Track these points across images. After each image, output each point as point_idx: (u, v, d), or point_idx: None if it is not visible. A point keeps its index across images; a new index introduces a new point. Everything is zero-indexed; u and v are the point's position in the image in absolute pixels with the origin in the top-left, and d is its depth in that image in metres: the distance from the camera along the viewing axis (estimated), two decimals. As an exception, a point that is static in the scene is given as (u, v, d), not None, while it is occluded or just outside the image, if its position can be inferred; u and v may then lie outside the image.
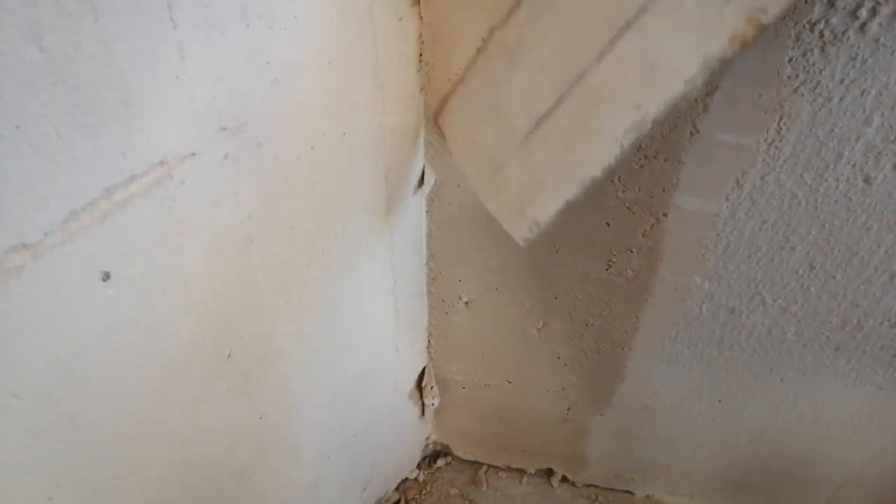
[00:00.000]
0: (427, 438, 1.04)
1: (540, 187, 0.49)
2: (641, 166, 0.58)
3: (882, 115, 0.52)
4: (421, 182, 0.65)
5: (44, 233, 0.32)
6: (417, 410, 0.94)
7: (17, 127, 0.29)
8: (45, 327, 0.33)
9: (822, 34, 0.48)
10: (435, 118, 0.54)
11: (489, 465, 1.07)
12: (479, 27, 0.52)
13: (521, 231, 0.53)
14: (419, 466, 1.06)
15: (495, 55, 0.50)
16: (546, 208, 0.50)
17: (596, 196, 0.62)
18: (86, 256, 0.34)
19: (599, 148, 0.46)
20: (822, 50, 0.49)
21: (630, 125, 0.44)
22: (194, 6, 0.34)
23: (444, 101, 0.55)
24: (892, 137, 0.53)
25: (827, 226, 0.60)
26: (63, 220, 0.32)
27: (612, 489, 1.04)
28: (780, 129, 0.54)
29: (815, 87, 0.51)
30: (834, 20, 0.47)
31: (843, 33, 0.48)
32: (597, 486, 1.05)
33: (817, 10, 0.47)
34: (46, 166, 0.30)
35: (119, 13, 0.31)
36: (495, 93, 0.50)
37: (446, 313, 0.80)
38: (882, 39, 0.48)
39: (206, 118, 0.38)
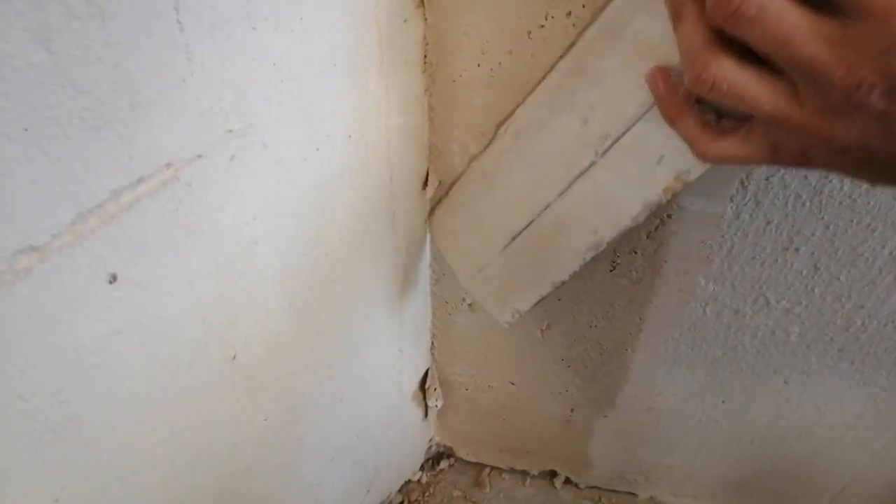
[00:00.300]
0: (430, 440, 1.04)
1: (518, 286, 0.59)
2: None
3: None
4: (425, 184, 0.65)
5: (51, 235, 0.32)
6: (420, 412, 0.94)
7: (26, 129, 0.29)
8: (51, 329, 0.33)
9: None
10: (427, 219, 0.66)
11: (492, 467, 1.07)
12: (478, 44, 0.54)
13: (504, 317, 0.62)
14: (422, 468, 1.06)
15: (474, 179, 0.60)
16: (525, 300, 0.60)
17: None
18: (93, 258, 0.34)
19: (565, 260, 0.55)
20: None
21: (589, 245, 0.53)
22: (201, 9, 0.34)
23: (432, 210, 0.66)
24: (897, 139, 0.53)
25: (831, 227, 0.60)
26: (70, 222, 0.32)
27: (615, 491, 1.04)
28: (785, 130, 0.54)
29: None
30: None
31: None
32: (600, 488, 1.05)
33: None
34: (54, 168, 0.30)
35: (127, 15, 0.31)
36: (477, 208, 0.60)
37: (449, 315, 0.80)
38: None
39: (212, 120, 0.38)
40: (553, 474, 1.05)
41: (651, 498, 1.03)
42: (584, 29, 0.49)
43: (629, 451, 0.95)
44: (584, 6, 0.50)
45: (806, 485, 0.90)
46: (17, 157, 0.29)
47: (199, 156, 0.38)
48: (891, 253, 0.61)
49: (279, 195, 0.46)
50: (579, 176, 0.51)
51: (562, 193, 0.53)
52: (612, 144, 0.49)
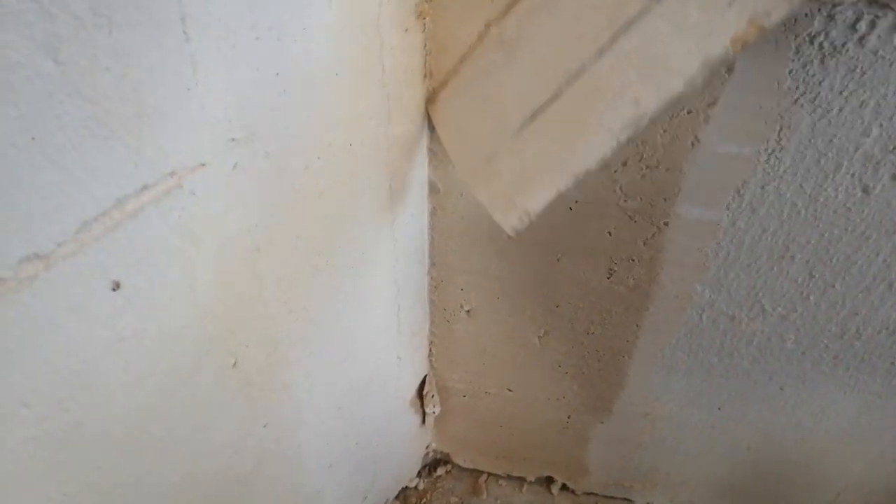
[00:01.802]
0: (427, 447, 1.04)
1: (532, 178, 0.49)
2: (643, 175, 0.59)
3: (880, 125, 0.53)
4: (425, 192, 0.66)
5: (56, 243, 0.32)
6: (418, 419, 0.94)
7: (33, 138, 0.29)
8: (55, 336, 0.34)
9: (821, 46, 0.49)
10: (426, 107, 0.54)
11: (489, 474, 1.07)
12: (477, 25, 0.52)
13: (510, 220, 0.53)
14: (419, 475, 1.06)
15: (491, 48, 0.49)
16: (537, 199, 0.50)
17: (597, 205, 0.62)
18: (97, 266, 0.34)
19: (595, 141, 0.45)
20: (822, 62, 0.50)
21: (628, 121, 0.44)
22: (206, 19, 0.34)
23: (435, 93, 0.53)
24: (891, 147, 0.54)
25: (826, 235, 0.61)
26: (76, 230, 0.32)
27: (611, 497, 1.05)
28: (781, 139, 0.55)
29: (815, 99, 0.52)
30: (833, 33, 0.48)
31: (843, 46, 0.49)
32: (596, 495, 1.05)
33: (817, 23, 0.48)
34: (60, 177, 0.31)
35: (133, 27, 0.31)
36: (490, 85, 0.50)
37: (448, 322, 0.80)
38: (881, 52, 0.49)
39: (216, 129, 0.38)
40: (550, 480, 1.05)
41: (647, 504, 1.04)
42: None
43: (626, 457, 0.95)
44: (582, 16, 0.50)
45: (802, 490, 0.91)
46: (24, 165, 0.29)
47: (203, 164, 0.38)
48: (885, 261, 0.62)
49: (281, 203, 0.47)
50: (625, 28, 0.42)
51: (600, 52, 0.43)
52: None
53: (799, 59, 0.50)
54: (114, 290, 0.36)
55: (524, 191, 0.50)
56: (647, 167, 0.58)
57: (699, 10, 0.39)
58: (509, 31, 0.48)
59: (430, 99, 0.56)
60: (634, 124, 0.44)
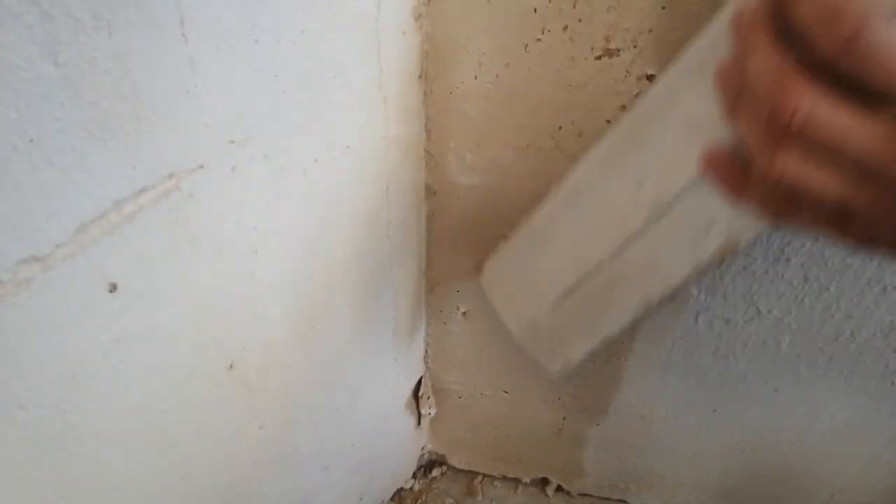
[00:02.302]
0: (423, 448, 1.04)
1: (569, 339, 0.60)
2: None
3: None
4: (422, 194, 0.66)
5: (54, 245, 0.32)
6: (413, 420, 0.94)
7: (32, 140, 0.29)
8: (52, 339, 0.34)
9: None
10: (478, 275, 0.67)
11: (484, 475, 1.07)
12: (475, 28, 0.53)
13: (554, 366, 0.63)
14: (415, 476, 1.06)
15: (525, 237, 0.60)
16: (575, 353, 0.61)
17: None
18: (94, 268, 0.34)
19: (615, 316, 0.56)
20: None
21: (639, 302, 0.54)
22: (205, 22, 0.34)
23: (481, 266, 0.66)
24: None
25: (821, 238, 0.61)
26: (73, 232, 0.32)
27: (607, 499, 1.05)
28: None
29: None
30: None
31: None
32: (592, 496, 1.05)
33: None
34: (59, 179, 0.31)
35: (132, 28, 0.31)
36: (528, 265, 0.61)
37: (444, 323, 0.80)
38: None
39: (214, 131, 0.38)
40: (545, 482, 1.06)
41: (642, 506, 1.04)
42: (635, 98, 0.53)
43: (621, 459, 0.95)
44: (580, 20, 0.51)
45: (797, 492, 0.91)
46: (23, 167, 0.29)
47: (201, 166, 0.38)
48: (879, 264, 0.62)
49: (279, 205, 0.47)
50: (631, 238, 0.52)
51: (613, 255, 0.54)
52: (665, 211, 0.49)
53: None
54: (111, 291, 0.36)
55: (564, 347, 0.61)
56: (643, 170, 0.58)
57: (686, 231, 0.48)
58: (538, 226, 0.59)
59: (478, 268, 0.67)
60: (645, 304, 0.53)
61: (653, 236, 0.51)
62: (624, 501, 1.04)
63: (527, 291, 0.62)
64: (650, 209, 0.50)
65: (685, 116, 0.45)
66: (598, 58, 0.52)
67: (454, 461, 1.07)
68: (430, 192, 0.66)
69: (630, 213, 0.51)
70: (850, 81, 0.29)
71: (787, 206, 0.34)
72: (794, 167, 0.31)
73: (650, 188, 0.49)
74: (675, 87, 0.45)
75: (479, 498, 1.04)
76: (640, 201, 0.50)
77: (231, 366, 0.49)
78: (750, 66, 0.32)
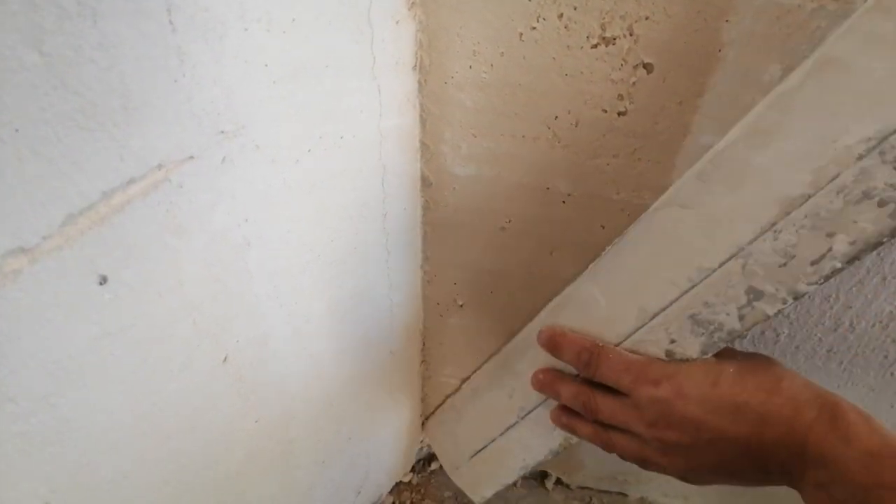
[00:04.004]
0: (421, 442, 1.04)
1: (482, 482, 0.82)
2: (635, 168, 0.59)
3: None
4: (417, 185, 0.65)
5: (42, 237, 0.31)
6: (412, 413, 0.94)
7: (17, 130, 0.28)
8: (42, 332, 0.33)
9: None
10: (422, 425, 0.96)
11: (483, 468, 1.07)
12: (470, 16, 0.52)
13: (476, 498, 0.83)
14: (413, 470, 1.06)
15: (449, 410, 0.87)
16: (486, 492, 0.82)
17: (590, 198, 0.62)
18: (83, 260, 0.34)
19: (506, 474, 0.77)
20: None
21: (521, 467, 0.74)
22: (193, 10, 0.34)
23: (427, 419, 0.94)
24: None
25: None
26: (61, 223, 0.32)
27: (606, 491, 1.05)
28: (774, 132, 0.54)
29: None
30: None
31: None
32: (591, 489, 1.05)
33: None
34: (45, 170, 0.30)
35: (118, 17, 0.30)
36: (451, 429, 0.86)
37: (441, 316, 0.80)
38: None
39: (204, 121, 0.38)
40: (544, 475, 1.06)
41: (641, 498, 1.04)
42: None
43: (620, 451, 0.95)
44: (575, 8, 0.50)
45: (795, 484, 0.91)
46: (8, 158, 0.28)
47: (191, 157, 0.38)
48: (878, 254, 0.62)
49: (271, 197, 0.46)
50: (509, 427, 0.73)
51: (501, 434, 0.75)
52: (527, 414, 0.71)
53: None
54: (100, 284, 0.36)
55: (479, 487, 0.83)
56: (638, 160, 0.58)
57: (540, 428, 0.71)
58: (457, 403, 0.86)
59: (424, 423, 0.96)
60: (524, 469, 0.74)
61: (521, 429, 0.72)
62: (623, 494, 1.04)
63: (452, 446, 0.85)
64: (518, 411, 0.71)
65: (534, 358, 0.68)
66: (594, 46, 0.52)
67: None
68: (425, 183, 0.66)
69: (506, 411, 0.73)
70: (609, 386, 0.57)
71: (606, 448, 0.60)
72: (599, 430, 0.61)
73: (517, 398, 0.71)
74: (527, 340, 0.69)
75: (478, 491, 1.04)
76: (512, 405, 0.72)
77: (225, 359, 0.49)
78: (563, 392, 0.62)
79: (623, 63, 0.53)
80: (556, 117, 0.57)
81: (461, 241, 0.71)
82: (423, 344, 0.85)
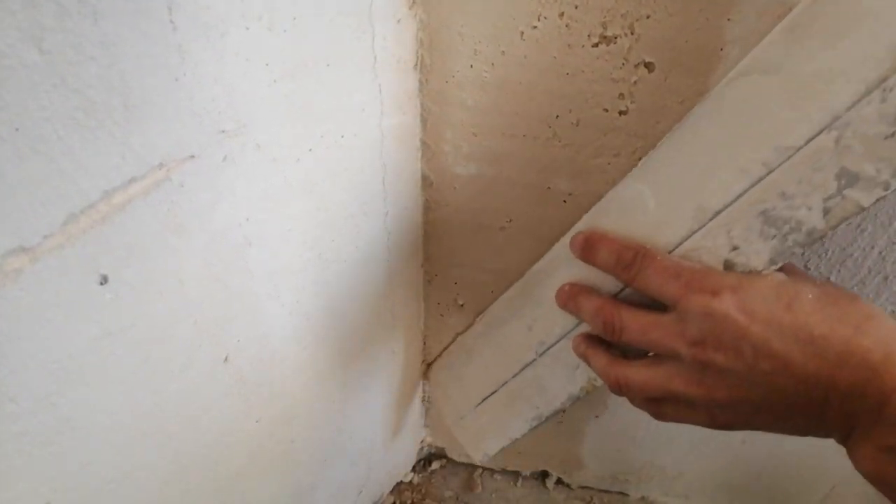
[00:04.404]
0: (422, 441, 1.04)
1: (487, 434, 0.76)
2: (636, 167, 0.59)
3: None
4: (418, 185, 0.65)
5: (42, 236, 0.31)
6: (412, 413, 0.94)
7: (17, 129, 0.28)
8: (42, 331, 0.33)
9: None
10: (424, 375, 0.89)
11: (484, 468, 1.07)
12: (472, 15, 0.52)
13: (477, 456, 0.78)
14: (414, 469, 1.06)
15: (459, 349, 0.79)
16: (491, 447, 0.76)
17: (591, 197, 0.62)
18: (84, 259, 0.34)
19: (518, 423, 0.71)
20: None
21: (533, 416, 0.69)
22: (194, 8, 0.34)
23: (430, 365, 0.87)
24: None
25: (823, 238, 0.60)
26: (62, 222, 0.32)
27: (606, 491, 1.05)
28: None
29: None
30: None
31: None
32: (591, 488, 1.05)
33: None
34: (46, 169, 0.30)
35: (119, 15, 0.30)
36: (459, 371, 0.79)
37: (441, 315, 0.80)
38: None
39: (205, 120, 0.38)
40: (545, 475, 1.05)
41: (642, 498, 1.04)
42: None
43: (621, 451, 0.95)
44: (576, 7, 0.50)
45: (797, 484, 0.91)
46: (9, 157, 0.28)
47: (192, 156, 0.38)
48: (880, 253, 0.62)
49: (272, 196, 0.46)
50: (525, 366, 0.67)
51: (515, 376, 0.68)
52: (546, 350, 0.63)
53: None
54: (101, 283, 0.35)
55: (483, 441, 0.77)
56: (639, 159, 0.58)
57: (561, 368, 0.63)
58: (468, 342, 0.77)
59: (426, 370, 0.88)
60: (538, 418, 0.68)
61: (539, 368, 0.65)
62: (624, 493, 1.04)
63: (458, 392, 0.79)
64: (536, 346, 0.64)
65: (560, 280, 0.60)
66: (595, 45, 0.52)
67: (453, 454, 1.07)
68: (426, 182, 0.66)
69: (524, 347, 0.66)
70: (644, 297, 0.49)
71: (617, 387, 0.54)
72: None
73: (537, 331, 0.64)
74: (554, 261, 0.61)
75: (479, 491, 1.04)
76: (531, 340, 0.65)
77: (226, 359, 0.49)
78: (585, 306, 0.54)
79: (624, 62, 0.53)
80: (557, 116, 0.57)
81: (462, 240, 0.70)
82: (424, 344, 0.85)
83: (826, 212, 0.42)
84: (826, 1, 0.40)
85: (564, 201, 0.63)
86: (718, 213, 0.46)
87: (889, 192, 0.40)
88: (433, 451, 1.07)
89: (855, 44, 0.39)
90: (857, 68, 0.39)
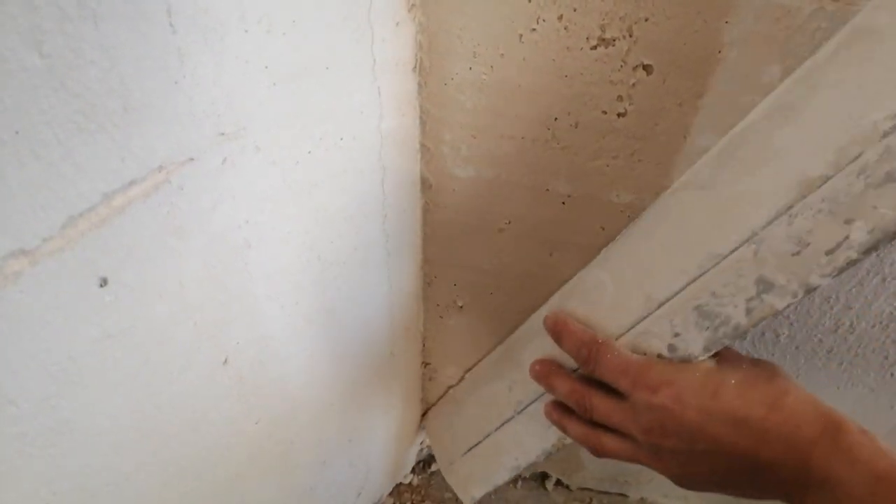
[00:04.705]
0: (422, 443, 1.04)
1: (474, 481, 0.81)
2: (635, 170, 0.59)
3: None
4: (417, 187, 0.65)
5: (42, 239, 0.31)
6: (412, 414, 0.94)
7: (17, 132, 0.28)
8: (42, 333, 0.33)
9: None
10: (422, 418, 0.96)
11: (483, 469, 1.06)
12: (470, 19, 0.52)
13: (466, 499, 0.83)
14: (413, 471, 1.06)
15: (449, 402, 0.87)
16: (478, 492, 0.81)
17: (590, 199, 0.62)
18: (84, 262, 0.34)
19: (500, 474, 0.76)
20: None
21: (514, 467, 0.74)
22: (193, 11, 0.34)
23: (426, 413, 0.94)
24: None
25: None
26: (62, 225, 0.32)
27: (606, 492, 1.05)
28: (774, 133, 0.54)
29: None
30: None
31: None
32: (591, 490, 1.05)
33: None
34: (46, 172, 0.30)
35: (119, 18, 0.30)
36: (449, 421, 0.86)
37: (441, 317, 0.80)
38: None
39: (204, 123, 0.38)
40: (545, 476, 1.06)
41: (641, 499, 1.04)
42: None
43: (620, 452, 0.95)
44: (575, 10, 0.50)
45: (795, 485, 0.91)
46: (8, 160, 0.28)
47: (191, 158, 0.38)
48: (878, 254, 0.62)
49: (271, 198, 0.46)
50: (506, 421, 0.73)
51: (497, 429, 0.74)
52: (524, 409, 0.70)
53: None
54: (101, 286, 0.35)
55: (470, 485, 0.82)
56: (639, 161, 0.58)
57: (536, 425, 0.69)
58: (458, 395, 0.85)
59: (423, 416, 0.95)
60: (516, 469, 0.74)
61: (517, 424, 0.71)
62: (623, 495, 1.04)
63: (449, 439, 0.85)
64: (515, 405, 0.71)
65: (532, 353, 0.67)
66: (594, 47, 0.52)
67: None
68: (425, 184, 0.66)
69: (504, 405, 0.73)
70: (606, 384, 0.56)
71: (595, 451, 0.59)
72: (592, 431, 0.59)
73: (516, 392, 0.71)
74: (531, 330, 0.70)
75: (478, 492, 1.04)
76: (510, 399, 0.72)
77: (225, 361, 0.49)
78: (558, 387, 0.61)
79: (623, 64, 0.53)
80: (556, 119, 0.57)
81: (461, 242, 0.71)
82: (424, 345, 0.85)
83: (748, 311, 0.49)
84: (747, 134, 0.49)
85: (563, 203, 0.63)
86: (662, 304, 0.54)
87: (798, 299, 0.47)
88: (432, 452, 1.07)
89: (768, 174, 0.46)
90: (769, 195, 0.46)
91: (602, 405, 0.56)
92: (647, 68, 0.53)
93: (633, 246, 0.57)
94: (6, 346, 0.32)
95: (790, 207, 0.45)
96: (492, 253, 0.70)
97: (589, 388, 0.58)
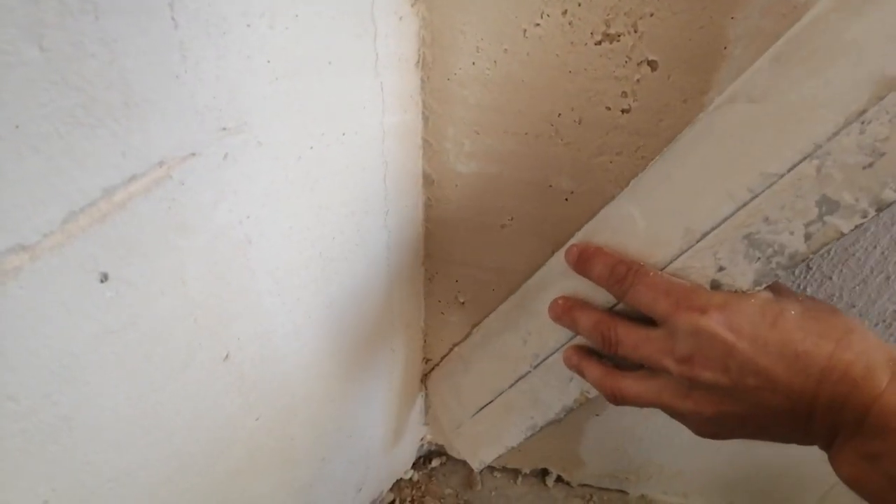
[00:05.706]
0: (422, 439, 1.04)
1: (483, 443, 0.77)
2: (639, 167, 0.58)
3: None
4: (419, 182, 0.65)
5: (42, 234, 0.31)
6: (412, 410, 0.94)
7: (17, 127, 0.28)
8: (43, 329, 0.33)
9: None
10: (422, 381, 0.91)
11: (484, 465, 1.07)
12: (474, 13, 0.52)
13: (474, 463, 0.79)
14: (414, 467, 1.06)
15: (456, 359, 0.81)
16: (488, 455, 0.77)
17: (593, 196, 0.62)
18: (84, 257, 0.34)
19: (514, 433, 0.72)
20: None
21: (528, 426, 0.70)
22: (195, 6, 0.34)
23: (428, 374, 0.88)
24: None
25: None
26: (62, 220, 0.32)
27: (606, 489, 1.05)
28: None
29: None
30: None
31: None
32: (591, 486, 1.05)
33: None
34: (46, 167, 0.30)
35: (120, 12, 0.30)
36: (457, 381, 0.80)
37: (442, 313, 0.80)
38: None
39: (206, 118, 0.37)
40: (545, 472, 1.06)
41: (642, 496, 1.04)
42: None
43: (620, 449, 0.95)
44: (579, 4, 0.50)
45: (795, 482, 0.91)
46: (8, 155, 0.28)
47: (193, 154, 0.38)
48: (882, 253, 0.61)
49: (273, 193, 0.46)
50: (520, 377, 0.68)
51: (510, 386, 0.69)
52: (541, 362, 0.65)
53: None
54: (102, 281, 0.35)
55: (479, 449, 0.78)
56: (641, 157, 0.58)
57: (555, 380, 0.64)
58: (465, 353, 0.78)
59: (425, 378, 0.90)
60: (532, 428, 0.69)
61: (533, 379, 0.67)
62: (623, 491, 1.04)
63: (455, 401, 0.80)
64: (531, 359, 0.66)
65: (554, 293, 0.61)
66: (598, 43, 0.52)
67: (453, 452, 1.07)
68: (427, 180, 0.65)
69: (519, 360, 0.67)
70: (636, 313, 0.51)
71: (612, 397, 0.54)
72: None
73: (532, 344, 0.65)
74: (548, 274, 0.63)
75: (479, 488, 1.04)
76: (526, 353, 0.66)
77: (226, 357, 0.48)
78: (581, 320, 0.55)
79: (627, 60, 0.52)
80: (560, 114, 0.57)
81: (463, 238, 0.70)
82: (425, 341, 0.85)
83: (808, 237, 0.44)
84: (811, 31, 0.41)
85: (566, 199, 0.63)
86: (706, 234, 0.48)
87: (867, 219, 0.41)
88: (433, 448, 1.07)
89: (837, 75, 0.40)
90: (838, 99, 0.40)
91: (630, 336, 0.50)
92: (651, 64, 0.52)
93: (668, 174, 0.50)
94: (6, 341, 0.31)
95: (863, 113, 0.39)
96: (494, 249, 0.70)
97: (615, 318, 0.52)
